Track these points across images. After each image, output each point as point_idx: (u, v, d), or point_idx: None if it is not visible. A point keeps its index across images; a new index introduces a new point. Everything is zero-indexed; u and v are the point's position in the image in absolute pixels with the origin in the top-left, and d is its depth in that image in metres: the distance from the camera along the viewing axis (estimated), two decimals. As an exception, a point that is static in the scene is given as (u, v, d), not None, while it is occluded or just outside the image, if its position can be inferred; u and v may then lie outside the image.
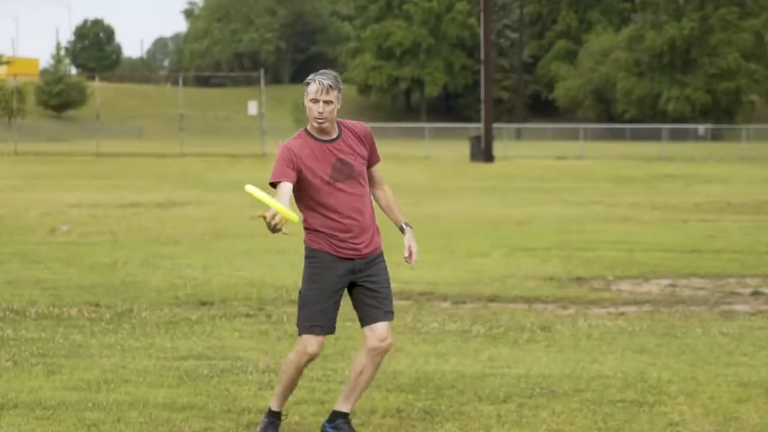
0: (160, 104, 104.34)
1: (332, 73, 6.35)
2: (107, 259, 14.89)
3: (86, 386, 7.75)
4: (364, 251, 6.42)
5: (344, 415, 6.54)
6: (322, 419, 6.94)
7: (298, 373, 6.51)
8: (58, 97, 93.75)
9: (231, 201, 25.81)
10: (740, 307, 11.65)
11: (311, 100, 6.30)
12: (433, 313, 10.99)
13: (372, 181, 6.61)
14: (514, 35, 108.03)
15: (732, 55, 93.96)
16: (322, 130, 6.39)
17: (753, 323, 10.69)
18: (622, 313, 11.23)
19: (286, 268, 14.04)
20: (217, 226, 19.86)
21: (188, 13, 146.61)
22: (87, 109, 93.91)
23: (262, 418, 6.73)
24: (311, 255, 6.43)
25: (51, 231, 18.62)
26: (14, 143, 56.35)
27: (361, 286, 6.45)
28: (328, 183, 6.35)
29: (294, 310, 11.06)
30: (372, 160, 6.57)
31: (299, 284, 6.53)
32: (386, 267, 6.56)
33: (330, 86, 6.26)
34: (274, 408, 6.62)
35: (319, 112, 6.29)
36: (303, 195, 6.40)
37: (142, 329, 10.00)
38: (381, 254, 6.54)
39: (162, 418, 6.94)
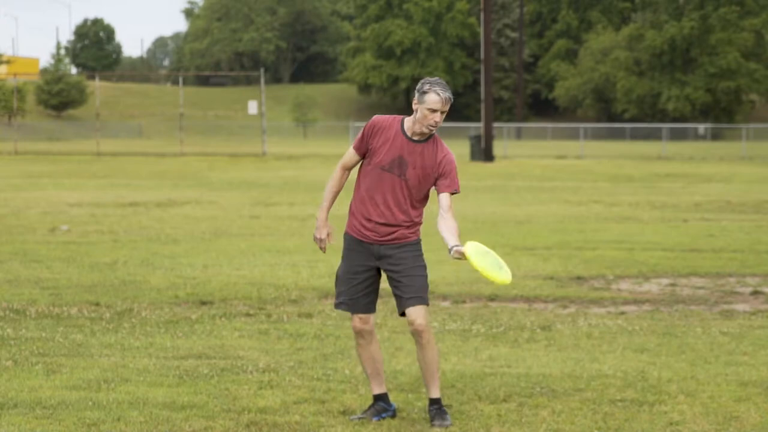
0: (160, 103, 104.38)
1: (444, 83, 6.82)
2: (107, 259, 14.89)
3: (86, 385, 7.75)
4: (384, 238, 6.84)
5: (435, 402, 6.98)
6: (323, 419, 6.95)
7: (361, 350, 7.02)
8: (58, 97, 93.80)
9: (231, 200, 25.81)
10: (740, 307, 11.65)
11: (430, 109, 6.75)
12: (433, 313, 10.98)
13: (439, 206, 6.89)
14: (514, 34, 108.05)
15: (732, 54, 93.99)
16: (416, 132, 6.84)
17: (753, 322, 10.70)
18: (622, 313, 11.23)
19: (286, 268, 14.04)
20: (217, 225, 19.85)
21: (188, 13, 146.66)
22: (87, 108, 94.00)
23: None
24: (344, 237, 6.98)
25: (51, 230, 18.62)
26: (14, 142, 56.36)
27: (389, 277, 6.91)
28: (381, 167, 6.83)
29: (293, 309, 11.11)
30: (439, 187, 6.86)
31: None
32: (416, 256, 6.88)
33: (449, 99, 6.79)
34: (373, 392, 7.05)
35: (435, 122, 6.79)
36: (361, 167, 6.93)
37: (142, 328, 10.00)
38: (410, 244, 6.87)
39: (162, 417, 6.94)
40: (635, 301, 11.92)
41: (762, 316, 11.07)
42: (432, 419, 6.89)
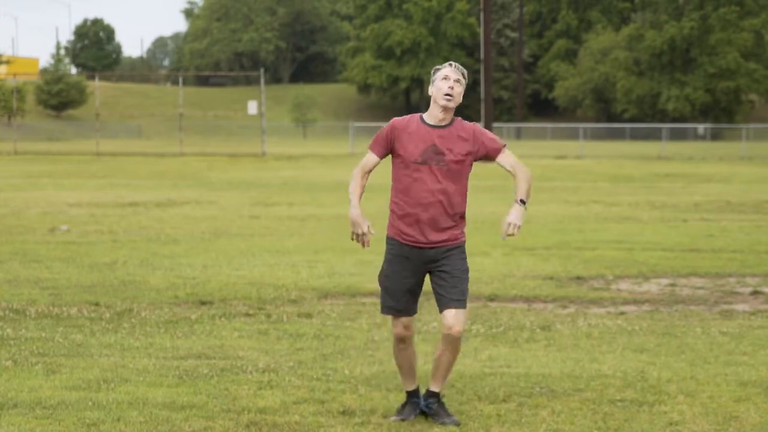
0: (159, 104, 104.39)
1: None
2: (107, 259, 14.89)
3: (86, 386, 7.75)
4: (431, 240, 6.79)
5: (434, 395, 7.03)
6: (322, 419, 6.95)
7: (401, 353, 7.04)
8: (57, 97, 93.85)
9: (230, 200, 25.81)
10: (740, 307, 11.65)
11: (444, 78, 6.80)
12: (433, 313, 10.97)
13: (508, 170, 6.95)
14: (513, 34, 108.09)
15: (732, 54, 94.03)
16: (438, 116, 6.80)
17: (752, 322, 10.70)
18: (621, 313, 11.23)
19: (286, 268, 14.04)
20: (217, 225, 19.85)
21: (188, 13, 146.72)
22: (87, 108, 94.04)
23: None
24: (387, 241, 6.93)
25: (51, 230, 18.62)
26: (14, 142, 56.38)
27: (433, 274, 6.87)
28: (415, 162, 6.77)
29: (293, 309, 11.10)
30: (489, 152, 6.87)
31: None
32: (463, 259, 6.87)
33: (462, 71, 6.87)
34: (406, 389, 7.10)
35: (449, 87, 6.76)
36: (394, 170, 6.87)
37: (141, 329, 10.00)
38: (458, 245, 6.87)
39: (162, 417, 6.94)
40: (635, 301, 11.92)
41: (762, 316, 11.08)
42: (436, 415, 6.92)
